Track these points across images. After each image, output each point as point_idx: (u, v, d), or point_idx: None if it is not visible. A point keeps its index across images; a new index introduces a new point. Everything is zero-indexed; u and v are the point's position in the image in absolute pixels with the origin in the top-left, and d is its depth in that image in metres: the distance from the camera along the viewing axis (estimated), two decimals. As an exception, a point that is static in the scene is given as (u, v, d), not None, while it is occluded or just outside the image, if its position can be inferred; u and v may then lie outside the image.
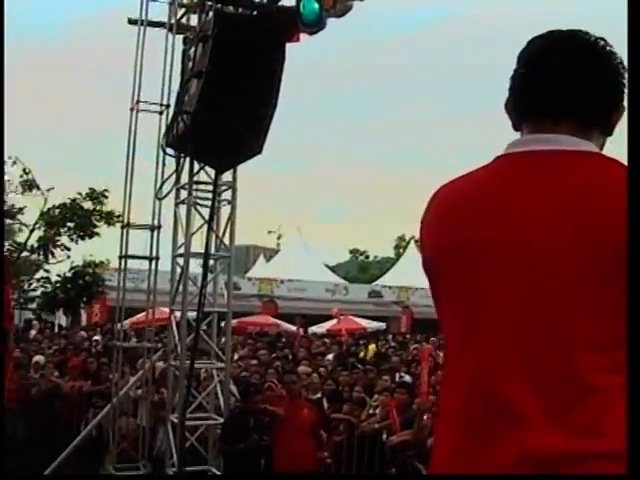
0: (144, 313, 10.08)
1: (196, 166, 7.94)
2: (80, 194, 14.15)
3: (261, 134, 6.69)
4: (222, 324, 8.70)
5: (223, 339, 8.24)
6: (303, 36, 6.83)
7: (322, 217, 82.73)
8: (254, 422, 7.56)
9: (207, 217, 7.68)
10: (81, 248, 14.97)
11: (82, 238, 14.31)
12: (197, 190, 8.00)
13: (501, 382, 1.53)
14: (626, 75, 1.67)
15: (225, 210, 8.24)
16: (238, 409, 7.79)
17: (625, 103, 1.68)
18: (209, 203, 7.60)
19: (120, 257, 8.60)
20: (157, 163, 7.86)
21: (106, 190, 13.92)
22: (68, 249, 13.62)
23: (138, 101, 8.12)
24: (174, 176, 8.15)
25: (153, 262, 8.34)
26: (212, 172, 7.82)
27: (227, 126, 6.58)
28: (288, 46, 6.80)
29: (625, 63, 1.67)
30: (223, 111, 6.57)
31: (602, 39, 1.67)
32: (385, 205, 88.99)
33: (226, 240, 8.14)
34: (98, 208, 14.23)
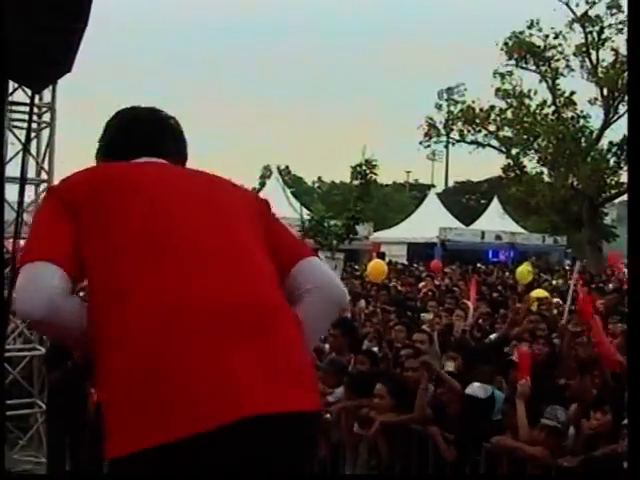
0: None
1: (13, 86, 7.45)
2: None
3: (72, 51, 6.30)
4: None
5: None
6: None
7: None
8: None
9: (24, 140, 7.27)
10: None
11: None
12: (13, 112, 7.54)
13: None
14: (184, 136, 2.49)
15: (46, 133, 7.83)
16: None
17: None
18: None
19: None
20: (-32, 81, 7.29)
21: None
22: None
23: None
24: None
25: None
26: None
27: (34, 40, 6.14)
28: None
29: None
30: (31, 25, 6.13)
31: (173, 117, 2.45)
32: (248, 138, 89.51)
33: (46, 165, 7.77)
34: None
